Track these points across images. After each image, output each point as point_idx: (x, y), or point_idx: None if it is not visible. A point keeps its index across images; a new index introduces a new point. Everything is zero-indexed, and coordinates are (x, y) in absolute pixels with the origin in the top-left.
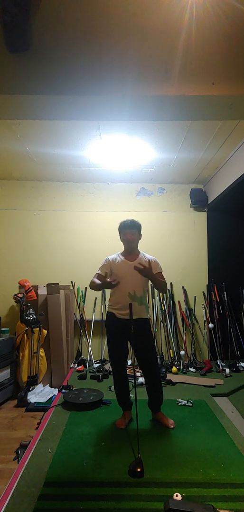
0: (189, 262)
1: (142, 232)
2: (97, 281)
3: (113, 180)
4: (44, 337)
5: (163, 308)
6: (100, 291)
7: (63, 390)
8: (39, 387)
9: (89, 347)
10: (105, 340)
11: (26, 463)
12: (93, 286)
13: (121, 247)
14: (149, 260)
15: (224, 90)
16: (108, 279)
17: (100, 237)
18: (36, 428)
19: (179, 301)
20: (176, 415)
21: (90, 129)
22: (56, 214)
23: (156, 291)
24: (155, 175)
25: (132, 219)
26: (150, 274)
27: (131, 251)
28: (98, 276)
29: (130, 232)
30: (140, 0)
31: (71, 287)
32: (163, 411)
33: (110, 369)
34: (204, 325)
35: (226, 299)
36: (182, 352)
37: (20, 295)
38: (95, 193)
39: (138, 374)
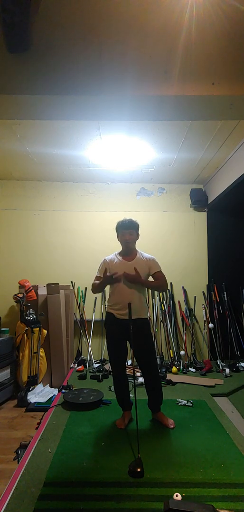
0: (189, 262)
1: (139, 232)
2: (97, 282)
3: (113, 180)
4: (44, 337)
5: (163, 308)
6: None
7: (63, 390)
8: (39, 387)
9: (89, 347)
10: (105, 340)
11: (26, 463)
12: (94, 288)
13: (121, 247)
14: (147, 259)
15: (224, 90)
16: (107, 273)
17: (100, 237)
18: (36, 428)
19: (179, 301)
20: (176, 415)
21: (90, 129)
22: (56, 214)
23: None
24: (155, 175)
25: (130, 218)
26: (139, 280)
27: (128, 251)
28: (99, 279)
29: (128, 232)
30: (140, 0)
31: (71, 287)
32: (163, 411)
33: (110, 369)
34: (204, 325)
35: (226, 299)
36: (182, 352)
37: (20, 295)
38: (95, 193)
39: (138, 374)
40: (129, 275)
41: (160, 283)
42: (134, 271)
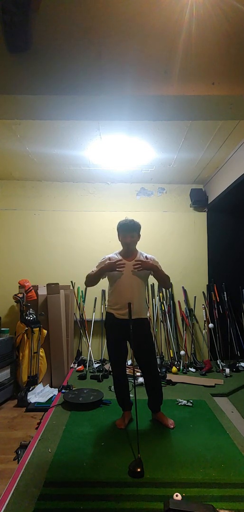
0: (189, 262)
1: (140, 233)
2: (95, 272)
3: (113, 180)
4: (44, 337)
5: (163, 308)
6: (100, 291)
7: (63, 390)
8: (39, 387)
9: (89, 347)
10: (105, 340)
11: (26, 463)
12: (89, 278)
13: (121, 247)
14: (147, 259)
15: (224, 90)
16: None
17: (100, 237)
18: (36, 428)
19: (179, 301)
20: (176, 415)
21: (90, 129)
22: (56, 214)
23: (156, 291)
24: (155, 175)
25: (131, 220)
26: (149, 266)
27: (129, 252)
28: None
29: (129, 235)
30: (140, 0)
31: (71, 287)
32: (163, 411)
33: (110, 369)
34: (204, 325)
35: (226, 299)
36: (182, 352)
37: (20, 295)
38: (95, 193)
39: (138, 374)
40: (142, 262)
41: (166, 275)
42: (135, 272)
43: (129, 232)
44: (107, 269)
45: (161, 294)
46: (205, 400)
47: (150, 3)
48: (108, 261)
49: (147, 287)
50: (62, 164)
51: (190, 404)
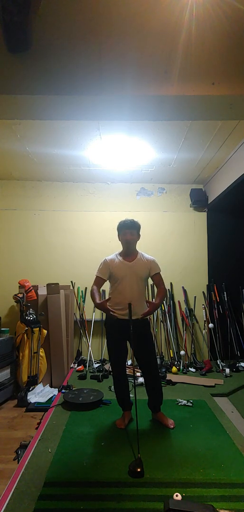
0: (189, 262)
1: (140, 233)
2: (97, 296)
3: (113, 180)
4: (44, 337)
5: (163, 308)
6: (101, 287)
7: (63, 390)
8: (39, 387)
9: (89, 347)
10: (105, 340)
11: (26, 463)
12: (91, 295)
13: (121, 247)
14: (147, 260)
15: (224, 90)
16: (108, 306)
17: (100, 237)
18: (36, 428)
19: (179, 301)
20: (176, 415)
21: (90, 129)
22: (56, 214)
23: (155, 291)
24: (155, 175)
25: (132, 219)
26: (156, 307)
27: (129, 252)
28: (98, 280)
29: (129, 232)
30: (140, 0)
31: (71, 287)
32: (163, 411)
33: (110, 369)
34: (204, 325)
35: (226, 299)
36: (182, 352)
37: (20, 295)
38: (95, 193)
39: (138, 374)
40: (145, 314)
41: (163, 293)
42: (136, 272)
43: (128, 228)
44: (100, 309)
45: None
46: (205, 400)
47: (150, 3)
48: (107, 262)
49: (147, 287)
50: (62, 164)
51: (190, 404)
